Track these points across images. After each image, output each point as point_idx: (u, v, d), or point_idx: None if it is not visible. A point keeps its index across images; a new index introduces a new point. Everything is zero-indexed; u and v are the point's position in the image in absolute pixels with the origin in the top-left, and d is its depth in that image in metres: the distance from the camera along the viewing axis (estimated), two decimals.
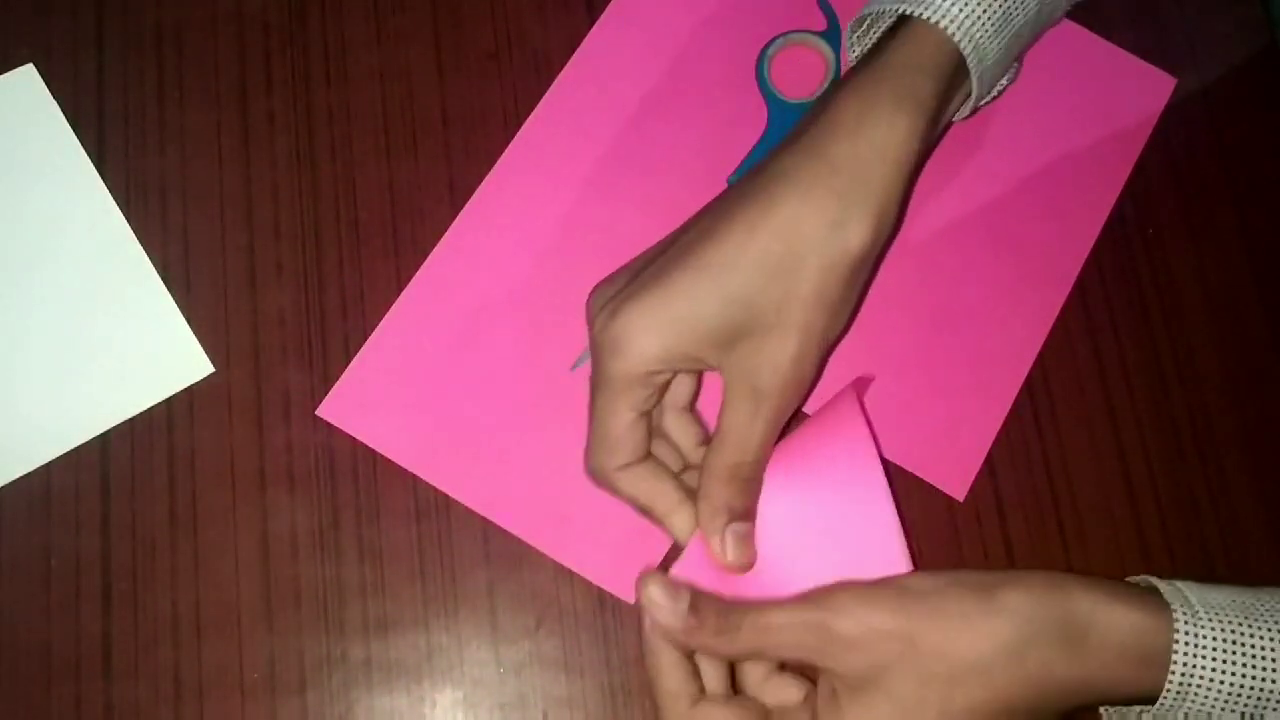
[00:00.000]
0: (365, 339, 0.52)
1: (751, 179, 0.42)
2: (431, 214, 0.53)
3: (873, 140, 0.40)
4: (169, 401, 0.51)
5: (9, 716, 0.47)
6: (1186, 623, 0.39)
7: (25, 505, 0.49)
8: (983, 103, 0.49)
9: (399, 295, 0.52)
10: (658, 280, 0.41)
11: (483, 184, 0.53)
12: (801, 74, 0.55)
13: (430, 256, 0.52)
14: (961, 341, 0.53)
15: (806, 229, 0.40)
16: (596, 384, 0.42)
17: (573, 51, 0.55)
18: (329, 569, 0.49)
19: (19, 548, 0.49)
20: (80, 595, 0.49)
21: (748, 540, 0.42)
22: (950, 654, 0.38)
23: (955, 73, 0.43)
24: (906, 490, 0.51)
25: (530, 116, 0.54)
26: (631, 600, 0.49)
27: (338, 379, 0.51)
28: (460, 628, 0.49)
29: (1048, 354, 0.53)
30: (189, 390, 0.51)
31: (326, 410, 0.51)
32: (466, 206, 0.53)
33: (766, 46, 0.55)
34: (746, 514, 0.42)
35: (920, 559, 0.50)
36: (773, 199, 0.40)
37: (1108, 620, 0.39)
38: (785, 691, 0.42)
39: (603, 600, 0.50)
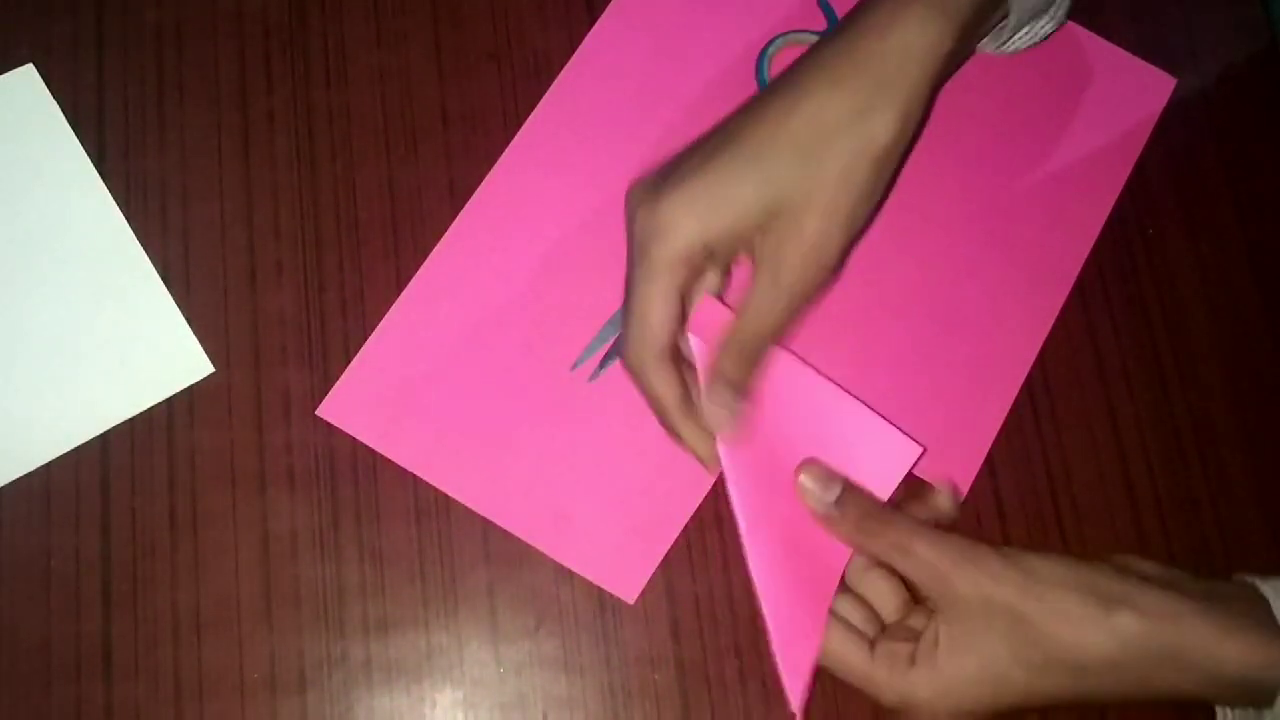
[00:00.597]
0: (365, 339, 0.52)
1: (787, 73, 0.44)
2: (431, 214, 0.53)
3: (903, 39, 0.42)
4: (169, 401, 0.51)
5: (9, 716, 0.47)
6: None
7: (25, 505, 0.49)
8: (1021, 38, 0.50)
9: (399, 295, 0.52)
10: (699, 166, 0.43)
11: (483, 183, 0.53)
12: None
13: (430, 256, 0.52)
14: (961, 341, 0.53)
15: (834, 116, 0.42)
16: (637, 274, 0.43)
17: (573, 52, 0.55)
18: (329, 569, 0.49)
19: (19, 548, 0.49)
20: (80, 595, 0.49)
21: (732, 413, 0.44)
22: (1052, 648, 0.41)
23: None
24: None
25: (530, 116, 0.54)
26: (630, 601, 0.49)
27: (338, 379, 0.51)
28: (460, 628, 0.49)
29: (1048, 354, 0.53)
30: (189, 390, 0.51)
31: (326, 410, 0.51)
32: (467, 206, 0.53)
33: (767, 46, 0.55)
34: (741, 386, 0.44)
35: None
36: (805, 88, 0.43)
37: (1220, 656, 0.41)
38: (881, 591, 0.46)
39: (603, 601, 0.50)
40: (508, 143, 0.54)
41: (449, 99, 0.55)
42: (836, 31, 0.44)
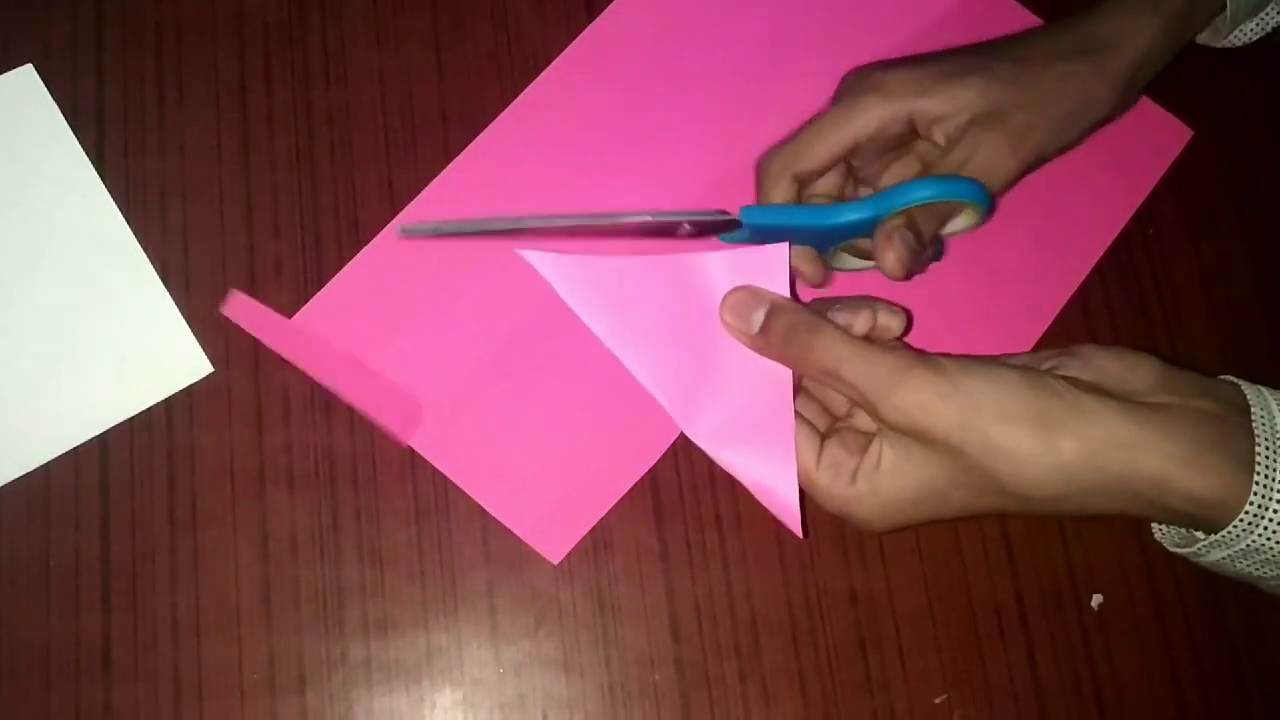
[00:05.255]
0: None
1: (1026, 36, 0.50)
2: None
3: (1113, 24, 0.49)
4: (168, 401, 0.51)
5: (8, 717, 0.47)
6: (1267, 475, 0.38)
7: (25, 505, 0.49)
8: (1249, 31, 0.54)
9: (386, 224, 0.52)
10: (925, 60, 0.48)
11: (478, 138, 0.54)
12: None
13: (419, 196, 0.53)
14: (962, 340, 0.53)
15: (1059, 49, 0.48)
16: (834, 111, 0.47)
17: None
18: (328, 569, 0.49)
19: (18, 548, 0.49)
20: (80, 595, 0.48)
21: (912, 251, 0.46)
22: (990, 476, 0.40)
23: None
24: None
25: (526, 90, 0.55)
26: (555, 562, 0.50)
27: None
28: (460, 628, 0.49)
29: None
30: (188, 390, 0.51)
31: (307, 316, 0.51)
32: (459, 157, 0.53)
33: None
34: (919, 235, 0.46)
35: (919, 554, 0.51)
36: (1029, 33, 0.50)
37: (1170, 487, 0.39)
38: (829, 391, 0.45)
39: (602, 600, 0.50)
40: None
41: (448, 99, 0.55)
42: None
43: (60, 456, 0.50)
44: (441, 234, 0.48)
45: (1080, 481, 0.39)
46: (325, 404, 0.51)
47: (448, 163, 0.54)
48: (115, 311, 0.51)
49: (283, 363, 0.51)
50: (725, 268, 0.44)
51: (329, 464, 0.50)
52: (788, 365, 0.43)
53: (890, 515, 0.42)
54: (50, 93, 0.53)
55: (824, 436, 0.44)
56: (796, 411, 0.44)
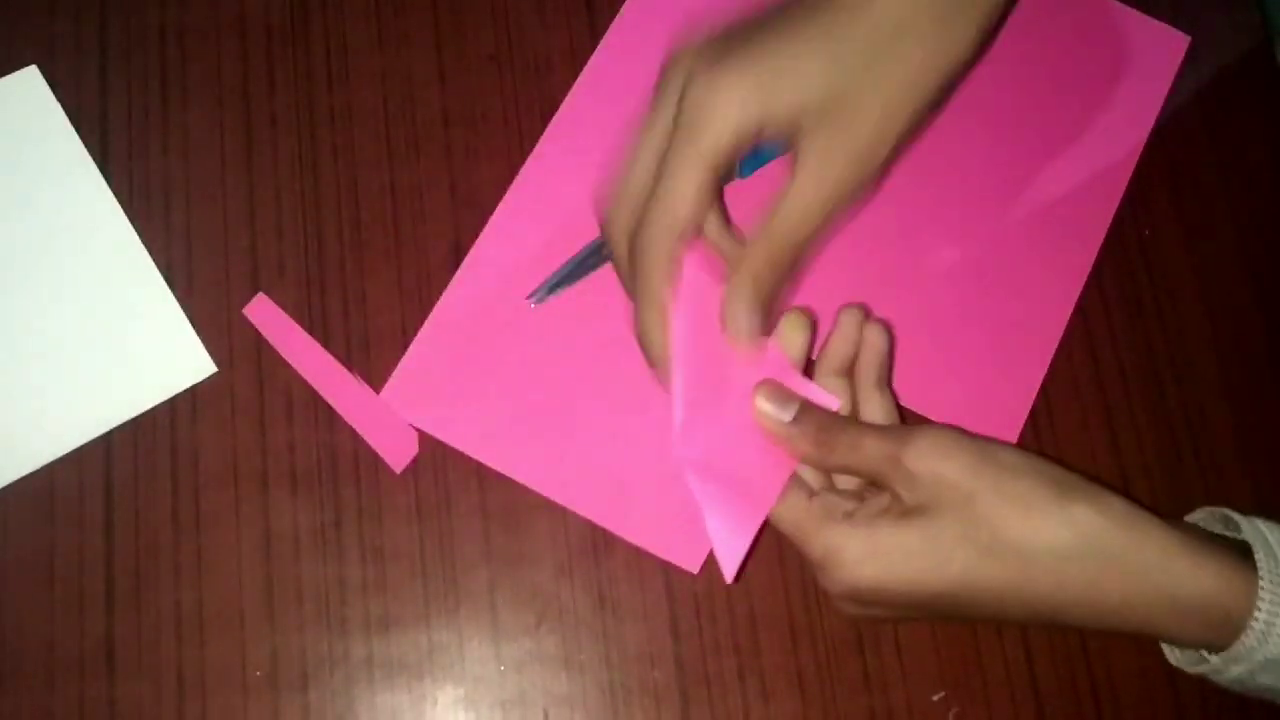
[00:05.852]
0: (367, 339, 0.52)
1: None
2: (433, 215, 0.54)
3: None
4: (172, 401, 0.51)
5: (13, 715, 0.47)
6: (1273, 582, 0.38)
7: (29, 505, 0.49)
8: None
9: (449, 279, 0.52)
10: (764, 38, 0.40)
11: (521, 170, 0.54)
12: None
13: (478, 240, 0.53)
14: (995, 301, 0.53)
15: (916, 17, 0.40)
16: (683, 151, 0.40)
17: (573, 53, 0.56)
18: (331, 567, 0.50)
19: (22, 547, 0.49)
20: (83, 594, 0.49)
21: (751, 321, 0.41)
22: (997, 530, 0.38)
23: None
24: None
25: (563, 104, 0.55)
26: (695, 572, 0.50)
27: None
28: (461, 626, 0.49)
29: None
30: (192, 390, 0.51)
31: (388, 396, 0.51)
32: (504, 197, 0.53)
33: None
34: (767, 292, 0.41)
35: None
36: (899, 14, 0.40)
37: (1181, 572, 0.38)
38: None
39: (603, 598, 0.50)
40: (508, 143, 0.54)
41: (450, 100, 0.55)
42: None
43: (64, 456, 0.50)
44: (559, 287, 0.51)
45: (1088, 543, 0.38)
46: (328, 404, 0.51)
47: (449, 163, 0.54)
48: (119, 312, 0.51)
49: (286, 363, 0.51)
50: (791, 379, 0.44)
51: (331, 463, 0.51)
52: (815, 456, 0.42)
53: (881, 562, 0.39)
54: (54, 94, 0.53)
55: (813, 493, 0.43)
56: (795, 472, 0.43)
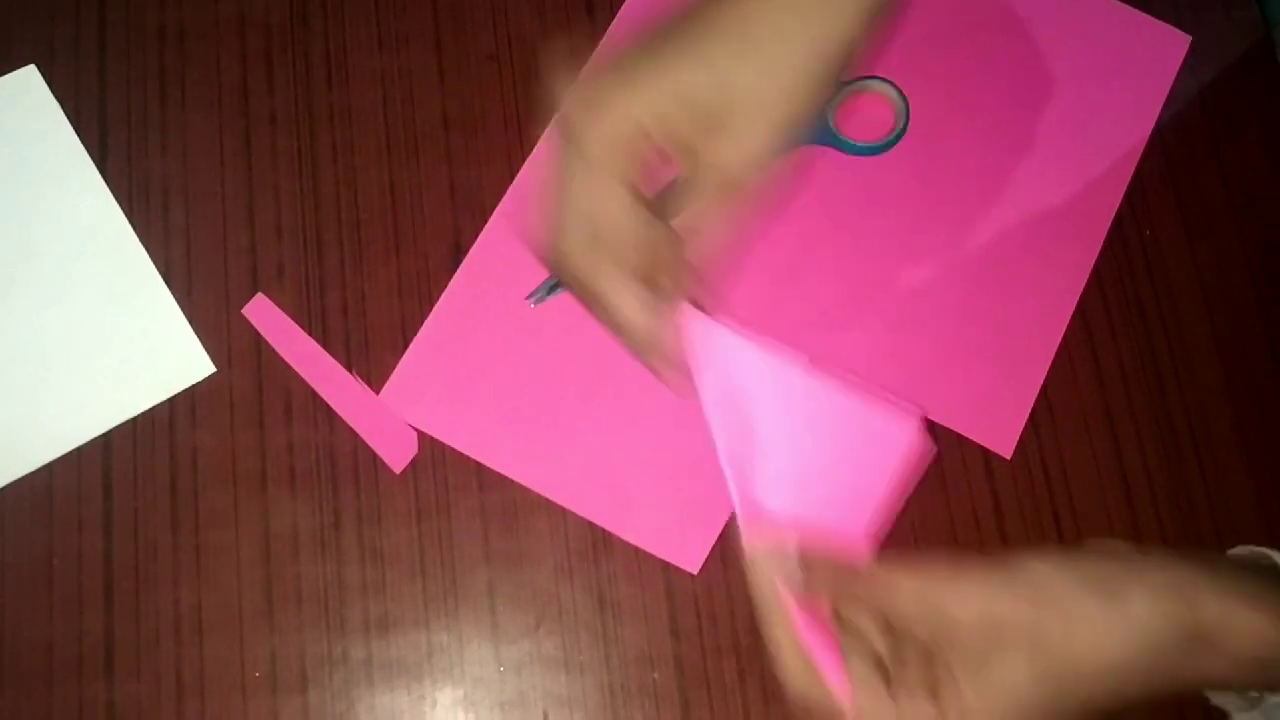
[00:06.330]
0: (366, 339, 0.52)
1: None
2: (432, 215, 0.53)
3: None
4: (171, 401, 0.51)
5: (12, 715, 0.47)
6: None
7: (28, 505, 0.49)
8: None
9: (444, 287, 0.52)
10: (639, 53, 0.40)
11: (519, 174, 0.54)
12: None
13: (477, 241, 0.53)
14: (996, 302, 0.53)
15: (790, 16, 0.39)
16: (570, 164, 0.39)
17: (573, 53, 0.55)
18: (330, 568, 0.50)
19: (21, 547, 0.49)
20: (82, 594, 0.49)
21: (661, 339, 0.40)
22: (1073, 657, 0.38)
23: None
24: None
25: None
26: (694, 572, 0.50)
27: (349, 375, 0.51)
28: (461, 627, 0.49)
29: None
30: (191, 390, 0.51)
31: (386, 398, 0.51)
32: (509, 191, 0.53)
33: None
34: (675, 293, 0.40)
35: (918, 550, 0.51)
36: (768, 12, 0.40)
37: (1239, 629, 0.38)
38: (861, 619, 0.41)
39: (603, 599, 0.50)
40: (508, 144, 0.54)
41: (449, 100, 0.55)
42: None
43: (63, 456, 0.50)
44: (559, 287, 0.51)
45: (1154, 638, 0.38)
46: (327, 404, 0.51)
47: (448, 164, 0.54)
48: (118, 312, 0.51)
49: (285, 363, 0.51)
50: (850, 411, 0.42)
51: (330, 463, 0.51)
52: (841, 604, 0.40)
53: None
54: (53, 93, 0.53)
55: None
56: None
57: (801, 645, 0.39)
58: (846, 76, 0.41)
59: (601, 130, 0.39)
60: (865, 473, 0.42)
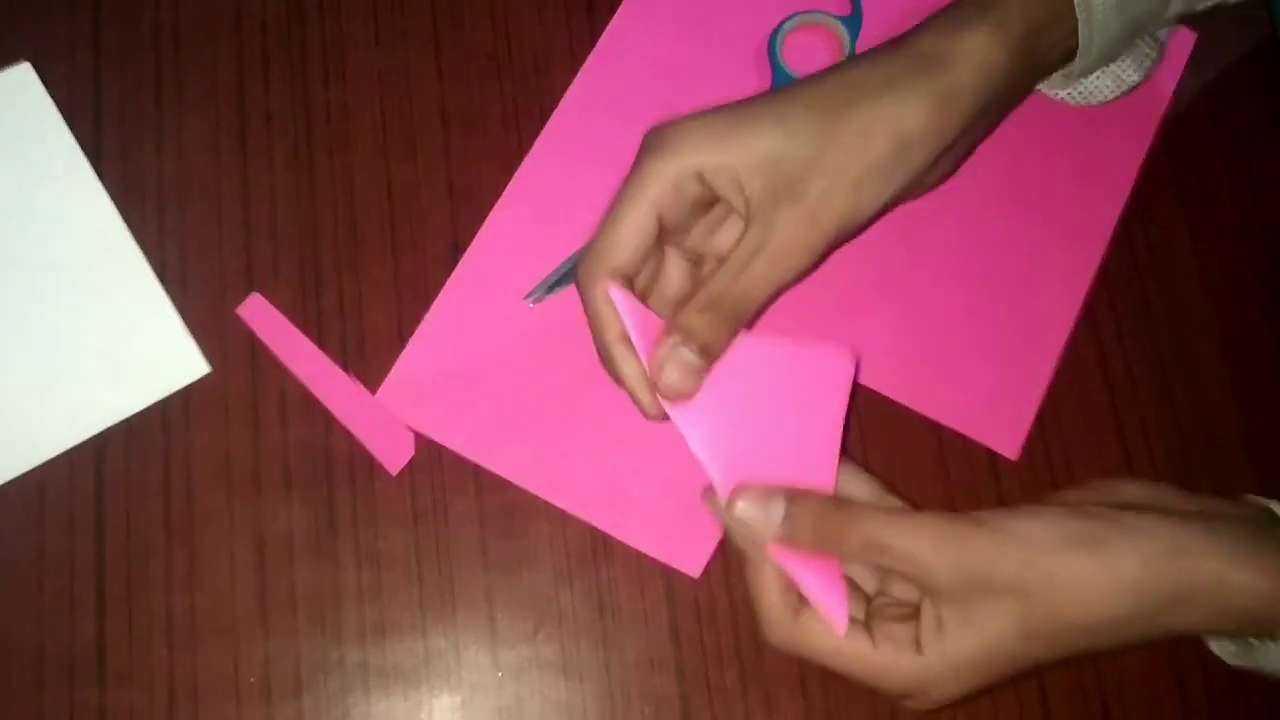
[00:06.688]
0: (363, 340, 0.51)
1: (834, 69, 0.43)
2: (430, 215, 0.53)
3: (948, 42, 0.42)
4: (165, 402, 0.50)
5: (2, 719, 0.47)
6: None
7: (19, 507, 0.49)
8: (1101, 84, 0.50)
9: (446, 278, 0.52)
10: (722, 109, 0.42)
11: (515, 175, 0.53)
12: (815, 55, 0.55)
13: (473, 242, 0.52)
14: (1002, 300, 0.53)
15: (866, 85, 0.41)
16: (625, 185, 0.42)
17: (572, 52, 0.55)
18: (326, 572, 0.49)
19: (12, 550, 0.48)
20: (74, 598, 0.48)
21: (690, 373, 0.40)
22: (1061, 617, 0.39)
23: (1054, 13, 0.44)
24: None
25: (558, 108, 0.54)
26: (695, 575, 0.49)
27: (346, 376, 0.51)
28: (458, 632, 0.49)
29: None
30: (185, 391, 0.50)
31: (384, 398, 0.51)
32: (502, 196, 0.53)
33: (781, 24, 0.55)
34: (712, 350, 0.41)
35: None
36: (846, 64, 0.43)
37: (1233, 587, 0.39)
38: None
39: (602, 604, 0.49)
40: (506, 142, 0.54)
41: (448, 99, 0.55)
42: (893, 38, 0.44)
43: (55, 458, 0.49)
44: (558, 286, 0.51)
45: (1144, 598, 0.39)
46: (322, 405, 0.50)
47: (446, 163, 0.54)
48: (111, 311, 0.51)
49: (280, 363, 0.51)
50: (782, 358, 0.43)
51: (326, 466, 0.50)
52: (823, 551, 0.40)
53: (963, 677, 0.39)
54: (47, 91, 0.53)
55: (865, 623, 0.41)
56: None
57: (781, 596, 0.40)
58: (914, 176, 0.43)
59: (655, 165, 0.41)
60: (816, 416, 0.42)
